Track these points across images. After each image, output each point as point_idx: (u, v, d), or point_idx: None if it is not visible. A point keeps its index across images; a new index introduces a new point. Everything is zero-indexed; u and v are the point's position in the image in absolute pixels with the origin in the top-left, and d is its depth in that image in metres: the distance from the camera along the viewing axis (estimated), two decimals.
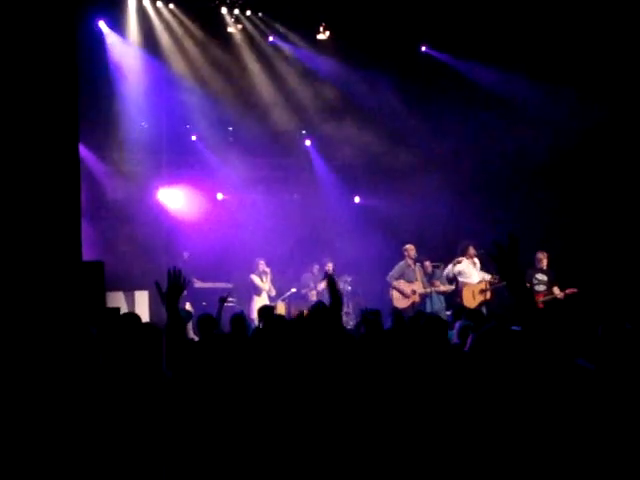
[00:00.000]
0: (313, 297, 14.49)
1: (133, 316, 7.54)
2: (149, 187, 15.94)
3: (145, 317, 12.08)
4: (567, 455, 4.59)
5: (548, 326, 6.24)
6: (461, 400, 5.12)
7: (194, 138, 16.66)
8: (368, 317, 8.00)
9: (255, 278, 14.26)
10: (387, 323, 8.18)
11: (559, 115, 14.54)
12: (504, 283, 11.88)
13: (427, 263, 14.60)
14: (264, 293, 14.27)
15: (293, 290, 15.11)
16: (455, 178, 16.27)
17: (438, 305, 14.02)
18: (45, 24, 9.21)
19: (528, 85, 14.89)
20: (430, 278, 14.45)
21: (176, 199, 16.48)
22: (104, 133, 14.80)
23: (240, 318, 8.01)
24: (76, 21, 10.13)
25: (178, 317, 5.96)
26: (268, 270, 14.39)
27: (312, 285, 15.23)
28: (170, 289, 5.73)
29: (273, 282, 14.59)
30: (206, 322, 8.00)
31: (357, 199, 17.82)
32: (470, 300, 13.50)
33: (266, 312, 8.81)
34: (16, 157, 8.93)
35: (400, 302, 13.97)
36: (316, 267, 15.52)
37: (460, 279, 13.79)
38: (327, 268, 14.74)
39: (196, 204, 16.49)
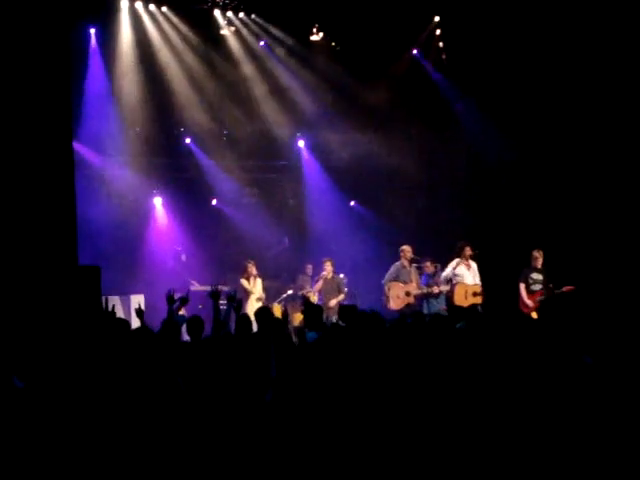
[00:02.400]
0: (310, 299, 14.41)
1: (123, 322, 7.58)
2: (144, 191, 15.97)
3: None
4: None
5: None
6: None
7: (188, 141, 16.65)
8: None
9: (244, 282, 14.09)
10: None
11: None
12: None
13: (428, 263, 14.49)
14: (252, 297, 14.07)
15: (289, 292, 15.07)
16: (451, 177, 16.35)
17: (436, 306, 13.91)
18: (40, 28, 9.22)
19: None
20: (432, 278, 14.33)
21: (171, 203, 16.51)
22: (98, 137, 14.82)
23: (245, 318, 8.01)
24: (70, 26, 10.16)
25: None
26: (255, 273, 14.16)
27: (308, 287, 15.19)
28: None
29: (263, 285, 14.40)
30: (195, 324, 8.02)
31: (352, 203, 17.83)
32: (462, 299, 13.41)
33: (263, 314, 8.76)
34: (11, 161, 8.93)
35: (394, 303, 13.92)
36: (309, 267, 15.43)
37: (456, 279, 13.76)
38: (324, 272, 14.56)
39: (191, 207, 16.51)
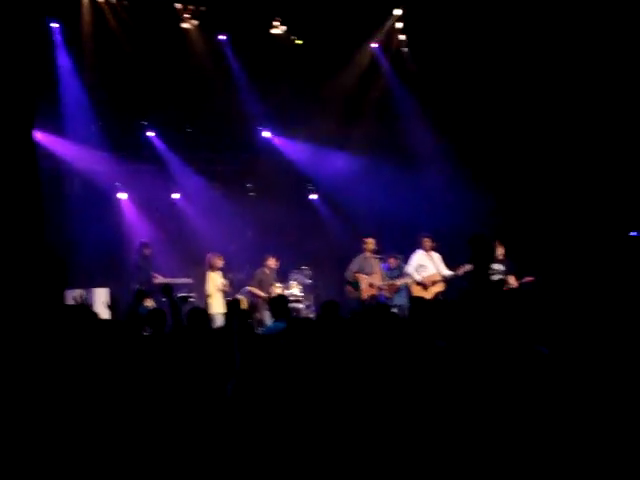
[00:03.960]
0: (275, 290, 14.42)
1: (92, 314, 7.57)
2: (106, 184, 15.94)
3: (105, 314, 12.01)
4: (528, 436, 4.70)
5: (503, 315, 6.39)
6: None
7: (152, 134, 16.63)
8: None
9: (213, 275, 13.98)
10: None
11: None
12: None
13: (392, 259, 14.65)
14: (219, 290, 14.01)
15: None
16: (413, 170, 16.48)
17: (403, 299, 14.04)
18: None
19: None
20: (399, 273, 14.49)
21: (134, 196, 16.49)
22: (59, 130, 14.80)
23: (199, 312, 8.02)
24: (29, 20, 10.11)
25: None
26: (220, 266, 14.13)
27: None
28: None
29: (229, 278, 14.37)
30: (156, 317, 8.03)
31: (314, 196, 17.91)
32: (421, 291, 13.61)
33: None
34: None
35: (358, 294, 14.01)
36: (272, 260, 15.25)
37: (419, 271, 13.90)
38: (269, 264, 14.62)
39: (154, 200, 16.49)
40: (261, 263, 14.64)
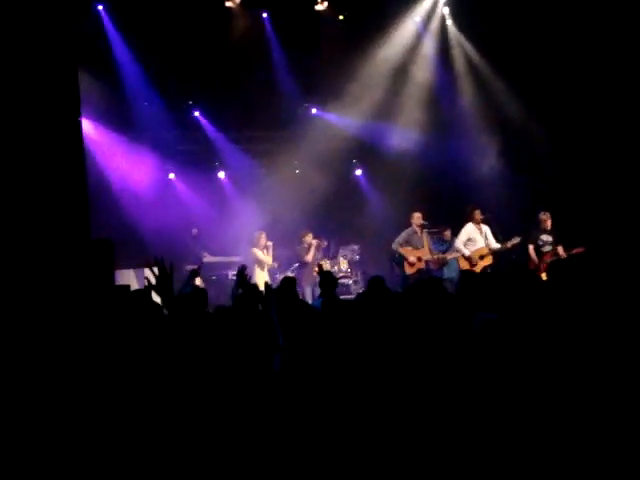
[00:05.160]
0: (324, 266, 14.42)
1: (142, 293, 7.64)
2: (155, 164, 16.08)
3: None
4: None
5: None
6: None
7: (197, 114, 16.72)
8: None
9: (257, 252, 14.08)
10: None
11: None
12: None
13: (447, 232, 14.66)
14: (265, 267, 14.10)
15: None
16: (460, 143, 16.37)
17: (453, 273, 13.96)
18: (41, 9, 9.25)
19: None
20: (449, 245, 14.47)
21: (181, 175, 16.64)
22: (108, 112, 14.90)
23: (253, 288, 8.05)
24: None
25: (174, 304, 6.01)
26: (270, 244, 14.19)
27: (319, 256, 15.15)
28: (158, 280, 5.68)
29: (275, 256, 14.48)
30: (198, 296, 8.07)
31: (359, 172, 17.91)
32: (469, 268, 13.52)
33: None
34: (20, 137, 8.98)
35: (406, 269, 14.01)
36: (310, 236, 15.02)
37: (468, 244, 13.82)
38: (307, 240, 14.62)
39: (201, 179, 16.62)
40: (299, 240, 14.64)
